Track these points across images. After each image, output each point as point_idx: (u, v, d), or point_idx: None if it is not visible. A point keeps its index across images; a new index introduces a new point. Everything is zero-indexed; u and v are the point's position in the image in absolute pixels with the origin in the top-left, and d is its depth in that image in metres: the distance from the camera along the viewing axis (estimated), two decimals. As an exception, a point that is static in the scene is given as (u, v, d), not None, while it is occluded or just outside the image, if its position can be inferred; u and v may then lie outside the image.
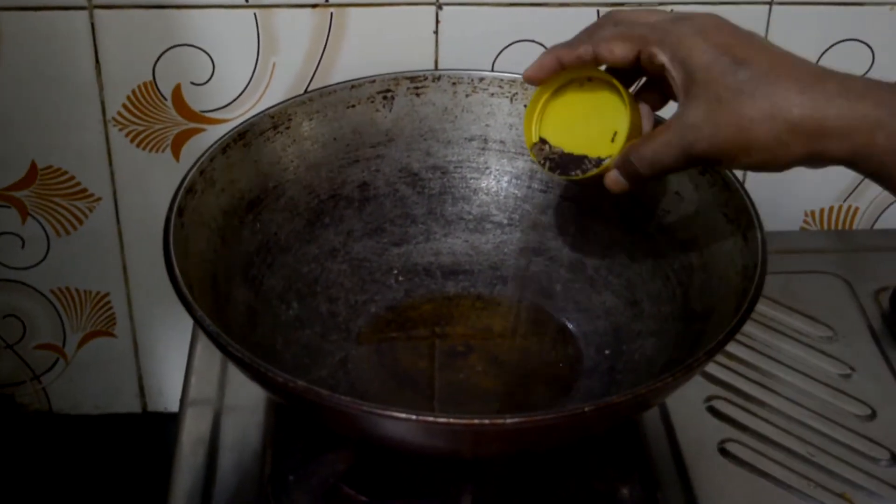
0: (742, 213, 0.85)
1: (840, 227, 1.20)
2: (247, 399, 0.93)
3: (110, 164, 1.09)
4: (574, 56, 0.80)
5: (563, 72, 0.83)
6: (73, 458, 1.25)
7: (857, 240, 1.18)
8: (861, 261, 1.13)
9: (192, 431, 0.92)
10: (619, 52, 0.77)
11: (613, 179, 0.81)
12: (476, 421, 0.69)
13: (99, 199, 1.11)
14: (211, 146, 0.89)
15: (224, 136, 0.90)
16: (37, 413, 1.24)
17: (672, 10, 0.82)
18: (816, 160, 0.72)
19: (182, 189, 0.84)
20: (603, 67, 0.82)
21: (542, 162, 0.86)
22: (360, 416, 0.70)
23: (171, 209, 0.82)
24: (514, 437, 0.71)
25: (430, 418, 0.69)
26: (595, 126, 0.84)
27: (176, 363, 1.19)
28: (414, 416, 0.69)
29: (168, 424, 1.20)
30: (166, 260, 0.79)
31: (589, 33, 0.80)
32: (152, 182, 1.09)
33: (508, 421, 0.69)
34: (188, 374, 0.97)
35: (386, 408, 0.69)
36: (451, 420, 0.69)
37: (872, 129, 0.69)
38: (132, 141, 1.08)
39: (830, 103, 0.70)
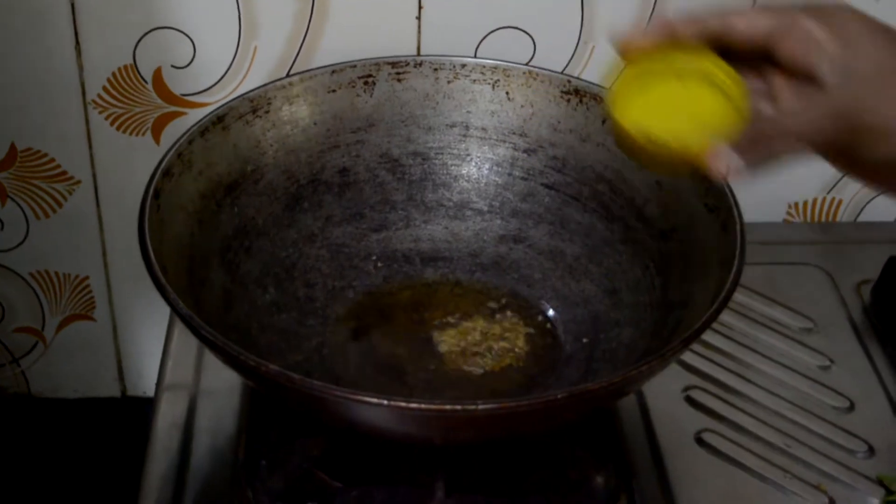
0: (722, 203, 0.85)
1: (823, 219, 1.20)
2: (223, 384, 0.93)
3: (90, 147, 1.09)
4: (696, 25, 0.70)
5: (665, 54, 0.71)
6: (52, 441, 1.25)
7: (840, 232, 1.18)
8: (843, 253, 1.13)
9: (168, 416, 0.91)
10: (761, 21, 0.69)
11: (721, 158, 0.69)
12: (447, 407, 0.69)
13: (79, 182, 1.10)
14: (189, 129, 0.88)
15: (203, 119, 0.89)
16: (15, 396, 1.23)
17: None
18: None
19: (159, 172, 0.84)
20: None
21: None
22: (331, 401, 0.70)
23: (147, 191, 0.82)
24: (485, 423, 0.71)
25: (402, 403, 0.68)
26: (687, 121, 0.72)
27: (155, 348, 1.17)
28: (385, 402, 0.68)
29: (147, 409, 1.20)
30: (140, 242, 0.78)
31: (715, 9, 0.71)
32: (132, 165, 1.09)
33: (480, 407, 0.69)
34: (164, 359, 0.97)
35: (357, 393, 0.69)
36: (423, 406, 0.69)
37: None
38: (112, 124, 1.07)
39: None
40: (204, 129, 0.89)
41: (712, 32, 0.70)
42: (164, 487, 0.85)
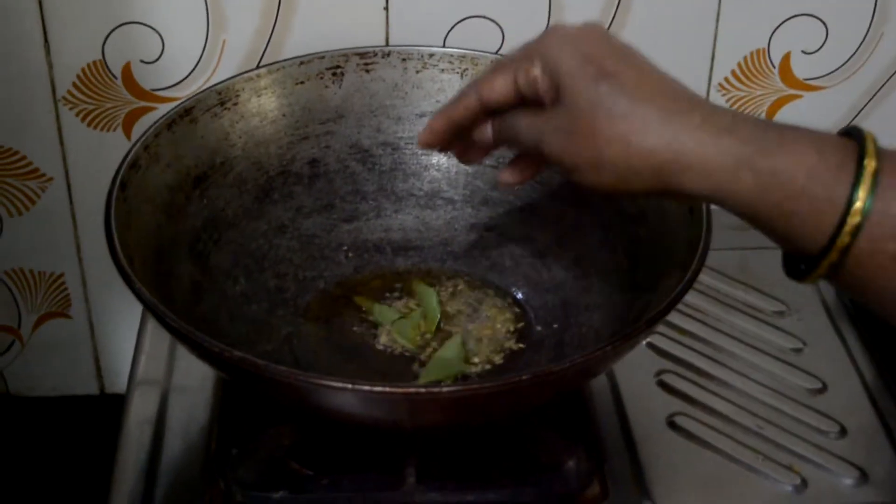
0: (688, 186, 0.85)
1: (797, 204, 1.19)
2: (195, 379, 0.93)
3: (61, 143, 1.09)
4: (461, 108, 0.76)
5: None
6: (31, 440, 1.25)
7: (814, 216, 1.18)
8: (816, 237, 1.13)
9: (140, 411, 0.91)
10: (500, 84, 0.73)
11: (479, 133, 0.77)
12: (412, 390, 0.70)
13: (51, 179, 1.11)
14: (156, 121, 0.88)
15: (170, 111, 0.90)
16: (-6, 396, 1.23)
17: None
18: (672, 194, 0.68)
19: (125, 164, 0.84)
20: None
21: None
22: (296, 386, 0.70)
23: (113, 183, 0.82)
24: (450, 406, 0.71)
25: (366, 387, 0.69)
26: None
27: (132, 344, 1.17)
28: (349, 386, 0.68)
29: (126, 406, 1.20)
30: (107, 233, 0.78)
31: (471, 83, 0.76)
32: (104, 161, 1.07)
33: (444, 390, 0.69)
34: (137, 355, 0.97)
35: (321, 377, 0.69)
36: (387, 389, 0.69)
37: (737, 168, 0.65)
38: (83, 120, 1.07)
39: (690, 136, 0.65)
40: (171, 122, 0.89)
41: (475, 104, 0.75)
42: (136, 480, 0.85)
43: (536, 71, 0.70)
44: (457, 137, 0.78)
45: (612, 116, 0.67)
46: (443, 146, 0.79)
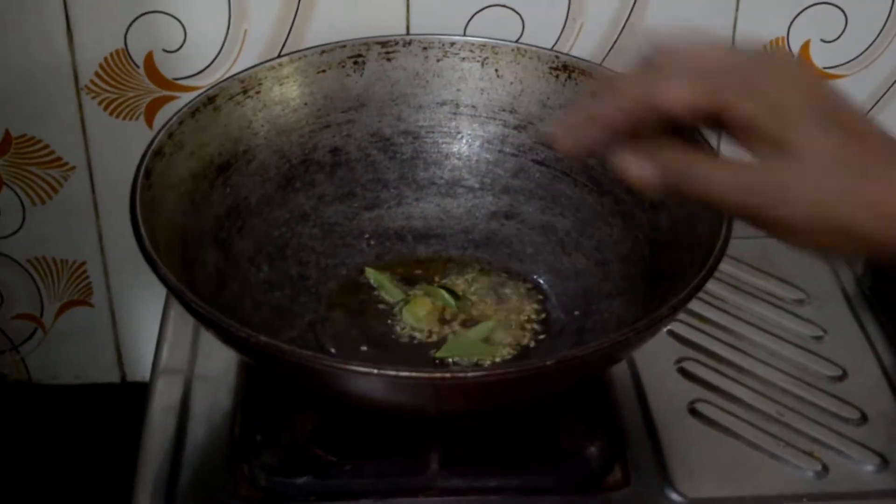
0: (710, 173, 0.85)
1: (816, 192, 1.19)
2: (218, 367, 0.93)
3: (84, 132, 1.09)
4: (620, 112, 0.63)
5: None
6: (53, 428, 1.25)
7: (833, 205, 1.18)
8: (836, 225, 1.13)
9: (164, 398, 0.92)
10: (689, 94, 0.61)
11: (639, 168, 0.65)
12: (437, 375, 0.70)
13: (73, 167, 1.11)
14: (180, 109, 0.89)
15: (193, 99, 0.90)
16: (16, 383, 1.24)
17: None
18: None
19: (150, 151, 0.84)
20: None
21: None
22: (321, 372, 0.71)
23: (138, 171, 0.83)
24: (475, 391, 0.72)
25: (392, 372, 0.69)
26: None
27: (153, 333, 1.17)
28: (375, 371, 0.69)
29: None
30: (132, 220, 0.79)
31: (637, 74, 0.65)
32: (126, 150, 1.08)
33: (470, 375, 0.70)
34: (160, 343, 0.97)
35: (347, 362, 0.70)
36: (413, 374, 0.69)
37: None
38: (105, 109, 1.08)
39: None
40: (195, 110, 0.89)
41: (644, 107, 0.63)
42: (160, 466, 0.86)
43: (751, 110, 0.61)
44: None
45: (871, 178, 0.61)
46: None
